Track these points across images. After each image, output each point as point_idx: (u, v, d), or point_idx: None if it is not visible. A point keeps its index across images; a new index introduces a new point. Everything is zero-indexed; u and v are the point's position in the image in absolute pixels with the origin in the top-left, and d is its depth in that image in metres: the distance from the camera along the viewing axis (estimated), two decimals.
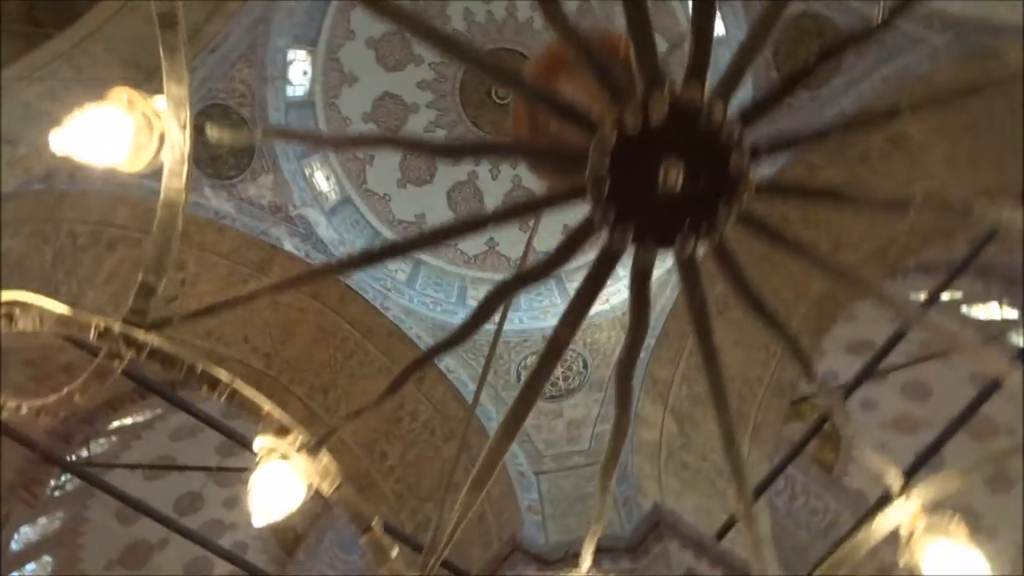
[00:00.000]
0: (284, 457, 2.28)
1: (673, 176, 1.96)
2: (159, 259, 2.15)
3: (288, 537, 18.55)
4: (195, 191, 7.93)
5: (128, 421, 14.72)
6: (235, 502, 18.09)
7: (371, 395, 8.38)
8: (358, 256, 3.25)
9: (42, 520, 15.21)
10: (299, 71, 9.80)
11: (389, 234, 11.16)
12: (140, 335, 2.13)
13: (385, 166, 11.73)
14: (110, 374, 2.19)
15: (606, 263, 2.42)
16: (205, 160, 8.11)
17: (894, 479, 2.27)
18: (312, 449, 2.28)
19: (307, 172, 9.76)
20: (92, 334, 2.10)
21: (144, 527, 17.23)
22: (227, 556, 7.10)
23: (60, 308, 2.12)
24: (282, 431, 2.30)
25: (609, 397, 8.32)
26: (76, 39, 7.03)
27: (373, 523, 2.40)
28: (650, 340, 8.37)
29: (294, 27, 9.45)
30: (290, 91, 9.62)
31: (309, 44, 9.99)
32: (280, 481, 2.30)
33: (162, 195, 2.09)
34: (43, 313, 2.07)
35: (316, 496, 2.32)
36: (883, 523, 2.22)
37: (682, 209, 2.14)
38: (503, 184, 12.16)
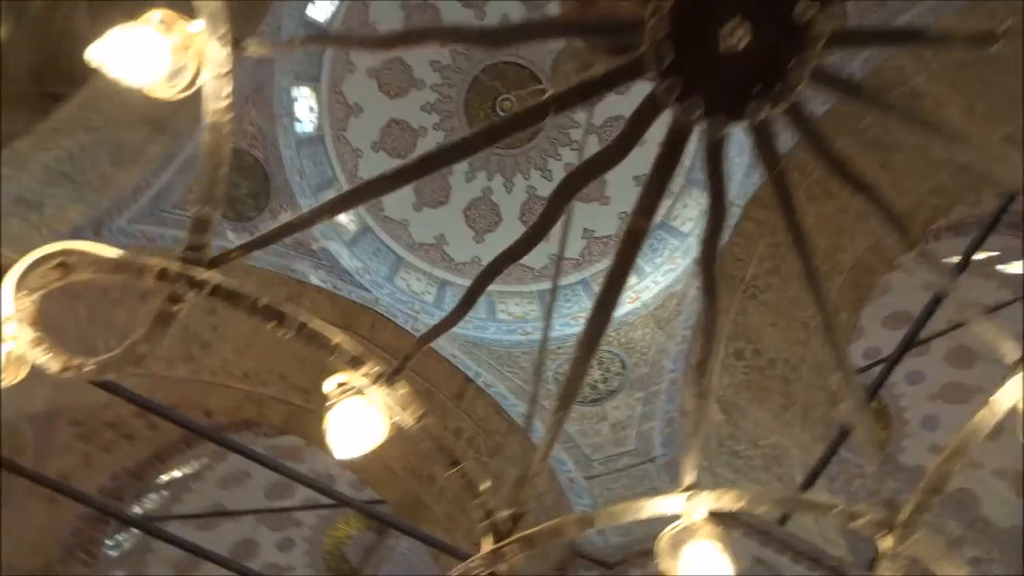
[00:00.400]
0: (359, 393, 2.18)
1: (737, 34, 1.83)
2: (210, 189, 2.07)
3: (344, 572, 18.53)
4: (218, 235, 8.00)
5: (177, 474, 14.84)
6: (290, 544, 18.14)
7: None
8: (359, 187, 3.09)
9: None
10: (305, 107, 9.93)
11: (411, 258, 11.20)
12: (200, 273, 2.04)
13: (400, 192, 11.79)
14: (172, 319, 2.11)
15: (675, 142, 2.30)
16: (223, 204, 8.20)
17: (1010, 350, 2.14)
18: (389, 379, 2.19)
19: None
20: (150, 277, 2.04)
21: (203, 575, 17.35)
22: None
23: (114, 252, 2.06)
24: (356, 363, 2.20)
25: (650, 395, 8.22)
26: (85, 100, 7.18)
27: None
28: (685, 331, 8.26)
29: (296, 65, 9.58)
30: (299, 128, 9.74)
31: (312, 80, 10.13)
32: (359, 417, 2.22)
33: (206, 118, 2.01)
34: (97, 260, 2.01)
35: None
36: (1001, 401, 2.09)
37: (750, 74, 2.00)
38: (518, 196, 12.17)
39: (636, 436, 7.79)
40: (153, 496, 15.02)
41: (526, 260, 11.21)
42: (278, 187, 8.80)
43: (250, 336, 8.38)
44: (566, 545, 5.95)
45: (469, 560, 2.29)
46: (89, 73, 7.54)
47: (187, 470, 15.21)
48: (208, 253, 2.05)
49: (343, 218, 10.23)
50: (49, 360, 2.06)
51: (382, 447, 2.34)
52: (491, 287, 11.31)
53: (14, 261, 5.07)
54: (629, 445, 7.73)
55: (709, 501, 2.22)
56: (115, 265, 2.01)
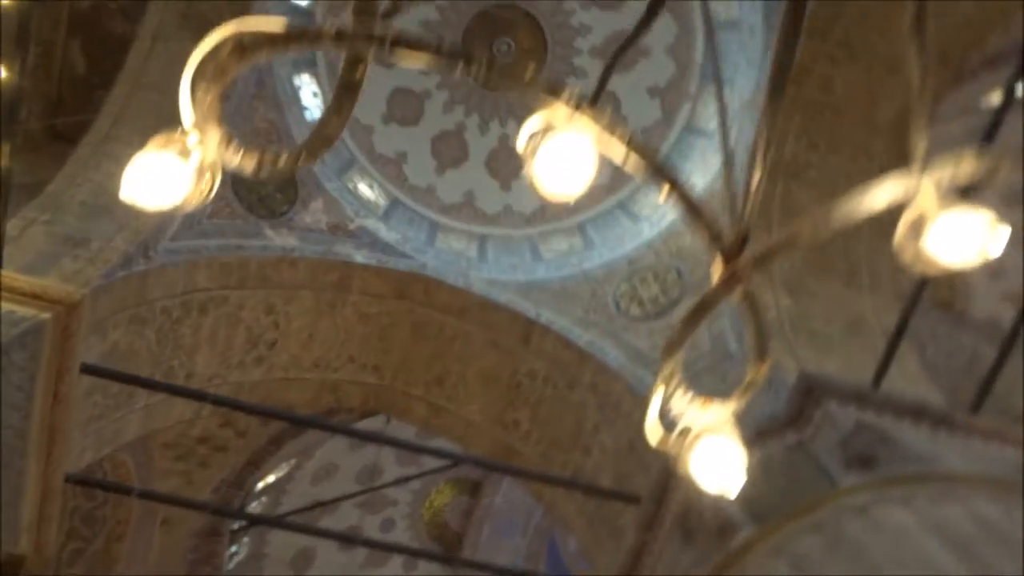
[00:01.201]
0: (554, 127, 2.03)
1: None
2: None
3: (449, 539, 19.02)
4: (256, 235, 8.11)
5: (271, 479, 15.33)
6: (391, 524, 18.67)
7: (485, 371, 8.42)
8: None
9: None
10: (309, 94, 9.87)
11: (445, 220, 11.19)
12: (378, 30, 1.96)
13: (419, 158, 11.75)
14: (357, 88, 2.04)
15: None
16: (254, 203, 8.26)
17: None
18: (591, 102, 2.07)
19: (350, 186, 9.86)
20: (327, 41, 1.99)
21: (320, 570, 17.99)
22: None
23: (283, 24, 2.00)
24: (552, 91, 2.07)
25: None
26: (104, 131, 7.25)
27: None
28: None
29: (291, 53, 9.50)
30: (308, 115, 9.71)
31: (310, 66, 10.04)
32: (568, 152, 2.08)
33: None
34: (271, 36, 1.96)
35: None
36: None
37: None
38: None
39: (709, 339, 7.74)
40: (254, 504, 15.51)
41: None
42: (302, 177, 8.81)
43: (311, 326, 8.51)
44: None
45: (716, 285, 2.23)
46: (97, 106, 7.62)
47: (279, 473, 15.69)
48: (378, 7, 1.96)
49: (372, 194, 10.25)
50: (242, 159, 2.04)
51: None
52: (531, 230, 11.29)
53: (79, 298, 5.17)
54: (704, 347, 7.69)
55: (944, 173, 2.05)
56: (290, 37, 1.94)
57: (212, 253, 7.39)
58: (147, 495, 5.97)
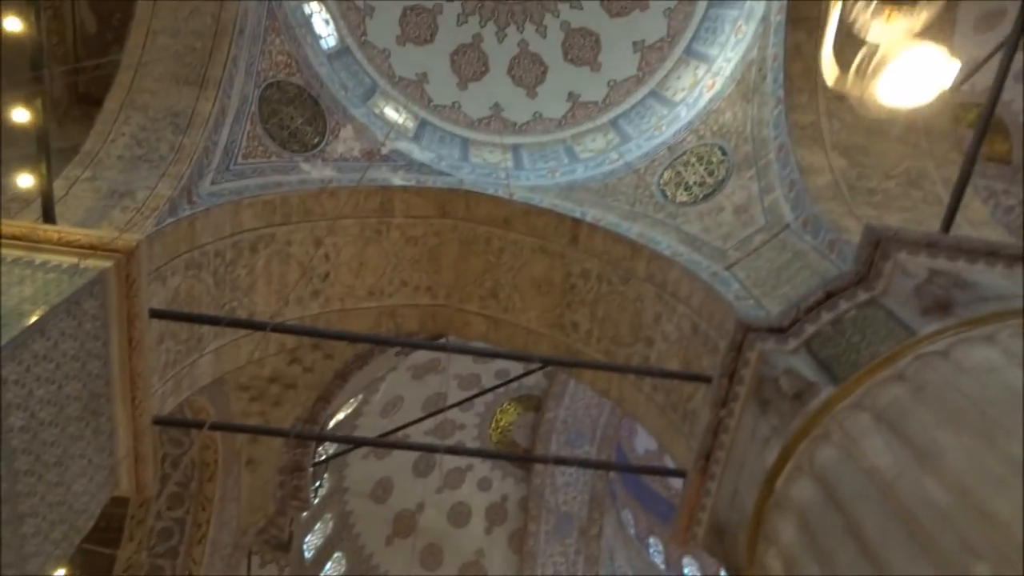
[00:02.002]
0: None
1: None
2: None
3: (518, 450, 19.49)
4: (292, 170, 8.08)
5: (340, 416, 15.81)
6: (461, 447, 19.16)
7: (537, 278, 8.38)
8: None
9: (318, 526, 16.82)
10: (321, 22, 9.64)
11: (475, 135, 11.01)
12: None
13: (440, 76, 11.49)
14: None
15: None
16: (286, 139, 8.21)
17: None
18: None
19: (376, 111, 9.72)
20: None
21: (399, 499, 18.71)
22: None
23: None
24: None
25: (761, 169, 7.87)
26: (127, 84, 7.21)
27: None
28: (778, 93, 7.78)
29: None
30: (324, 44, 9.52)
31: None
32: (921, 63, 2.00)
33: None
34: None
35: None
36: None
37: None
38: (555, 38, 11.60)
39: (762, 212, 7.53)
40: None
41: (589, 95, 10.89)
42: (328, 106, 8.70)
43: (361, 254, 8.54)
44: (736, 325, 5.89)
45: None
46: (114, 64, 7.54)
47: (348, 410, 16.16)
48: None
49: (399, 117, 10.09)
50: None
51: None
52: (564, 133, 11.08)
53: (135, 244, 5.21)
54: (758, 223, 7.49)
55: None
56: None
57: (253, 192, 7.40)
58: (223, 427, 6.17)
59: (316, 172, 8.15)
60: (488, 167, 9.72)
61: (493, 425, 19.56)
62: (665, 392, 7.68)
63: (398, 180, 8.51)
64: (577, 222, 8.29)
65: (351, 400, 15.73)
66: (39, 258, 5.18)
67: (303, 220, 7.91)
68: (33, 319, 4.52)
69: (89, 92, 8.26)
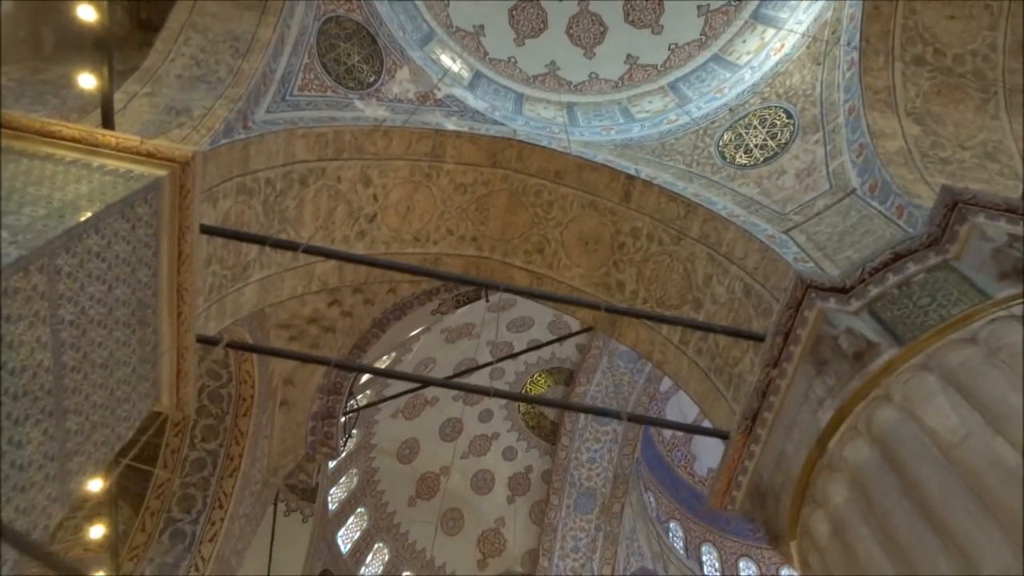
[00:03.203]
0: None
1: None
2: None
3: (545, 427, 19.47)
4: (346, 107, 7.99)
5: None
6: (489, 415, 19.18)
7: (585, 235, 8.22)
8: None
9: (343, 480, 16.98)
10: None
11: (530, 91, 10.82)
12: None
13: (497, 30, 11.31)
14: None
15: None
16: (342, 75, 8.12)
17: None
18: None
19: (434, 56, 9.58)
20: None
21: (424, 460, 18.80)
22: None
23: None
24: None
25: (829, 132, 7.58)
26: (188, 6, 7.17)
27: None
28: (852, 55, 7.46)
29: None
30: None
31: None
32: None
33: None
34: None
35: None
36: None
37: None
38: (616, 2, 11.32)
39: (827, 176, 7.25)
40: (359, 398, 16.08)
41: (649, 58, 10.61)
42: (386, 45, 8.59)
43: (409, 198, 8.45)
44: (794, 282, 5.67)
45: None
46: None
47: (381, 366, 16.24)
48: None
49: (453, 65, 9.95)
50: None
51: None
52: (617, 96, 10.84)
53: (190, 154, 5.17)
54: (821, 187, 7.22)
55: None
56: None
57: (307, 125, 7.33)
58: (261, 350, 6.15)
59: (370, 111, 8.05)
60: (542, 121, 9.54)
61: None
62: (710, 356, 7.48)
63: (451, 125, 8.37)
64: (631, 178, 8.09)
65: (384, 357, 15.78)
66: (96, 161, 5.16)
67: (354, 157, 7.83)
68: (89, 214, 4.50)
69: (150, 18, 8.25)
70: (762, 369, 5.96)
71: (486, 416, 19.15)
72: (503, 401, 19.39)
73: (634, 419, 6.17)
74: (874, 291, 5.46)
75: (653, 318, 6.30)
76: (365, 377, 15.51)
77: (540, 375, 19.14)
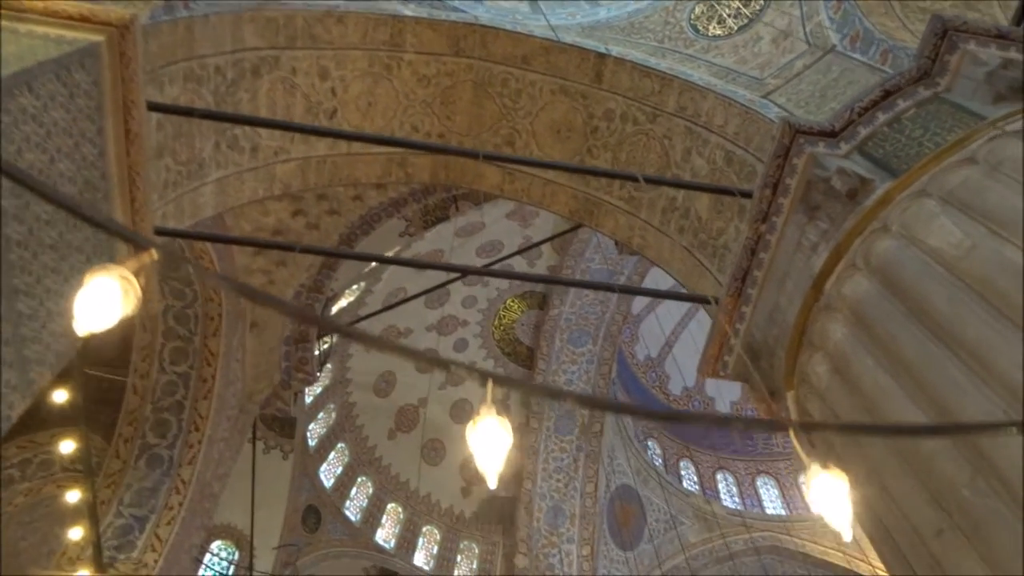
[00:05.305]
0: None
1: None
2: None
3: (521, 352, 19.40)
4: None
5: (344, 303, 15.51)
6: (464, 344, 19.01)
7: (556, 123, 7.85)
8: None
9: (321, 416, 16.74)
10: None
11: None
12: None
13: None
14: None
15: None
16: None
17: None
18: None
19: None
20: None
21: (402, 393, 18.64)
22: None
23: None
24: None
25: None
26: None
27: None
28: None
29: None
30: None
31: None
32: None
33: None
34: None
35: None
36: None
37: None
38: None
39: (805, 37, 7.01)
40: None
41: None
42: None
43: (370, 92, 8.01)
44: (781, 127, 5.46)
45: None
46: None
47: (351, 298, 15.87)
48: None
49: None
50: None
51: None
52: None
53: (129, 17, 4.64)
54: (798, 49, 6.98)
55: None
56: None
57: (254, 7, 6.80)
58: (219, 238, 5.79)
59: None
60: (504, 10, 9.08)
61: (496, 322, 19.36)
62: (692, 232, 7.31)
63: (408, 11, 7.89)
64: (602, 57, 7.75)
65: (353, 287, 15.42)
66: (23, 27, 4.66)
67: (308, 47, 7.35)
68: (17, 69, 4.04)
69: None
70: (750, 226, 5.79)
71: (461, 345, 19.00)
72: (478, 329, 19.22)
73: (625, 290, 6.00)
74: (864, 131, 5.28)
75: (624, 177, 6.05)
76: (335, 308, 15.17)
77: (513, 300, 18.98)
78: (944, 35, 5.08)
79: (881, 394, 4.25)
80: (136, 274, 2.62)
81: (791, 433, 2.49)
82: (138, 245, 2.47)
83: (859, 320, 4.60)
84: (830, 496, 2.45)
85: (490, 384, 2.21)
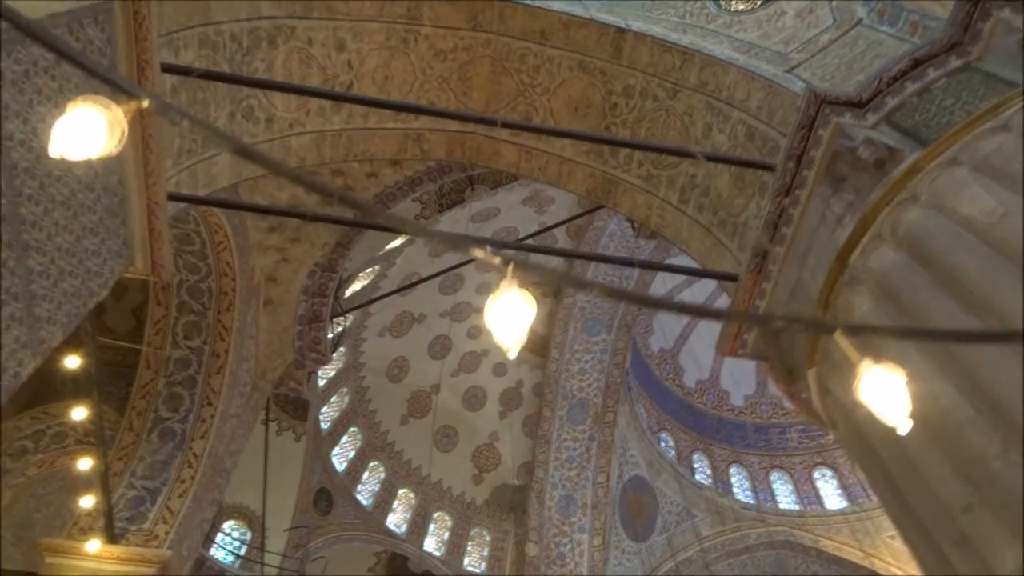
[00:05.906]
0: None
1: None
2: None
3: (534, 341, 19.32)
4: None
5: (357, 287, 15.48)
6: (478, 332, 18.97)
7: (574, 100, 7.73)
8: None
9: (333, 399, 16.76)
10: None
11: None
12: None
13: None
14: None
15: None
16: None
17: None
18: None
19: None
20: None
21: (415, 378, 18.62)
22: None
23: None
24: None
25: None
26: None
27: None
28: None
29: None
30: None
31: None
32: None
33: None
34: None
35: None
36: None
37: None
38: None
39: (830, 11, 6.84)
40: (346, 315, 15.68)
41: None
42: None
43: (386, 66, 7.92)
44: (807, 98, 5.33)
45: None
46: None
47: (364, 282, 15.83)
48: None
49: None
50: None
51: None
52: None
53: None
54: (824, 23, 6.82)
55: None
56: None
57: None
58: (235, 205, 5.73)
59: None
60: None
61: None
62: (711, 211, 7.18)
63: None
64: (621, 32, 7.60)
65: (368, 270, 15.38)
66: None
67: (325, 17, 7.27)
68: (30, 18, 3.98)
69: None
70: (772, 200, 5.66)
71: (475, 332, 18.93)
72: None
73: (645, 265, 5.90)
74: (892, 102, 5.13)
75: (640, 147, 5.92)
76: (349, 291, 15.15)
77: (528, 288, 18.85)
78: (977, 2, 4.92)
79: (907, 366, 4.11)
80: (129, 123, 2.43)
81: (837, 336, 2.42)
82: (130, 94, 2.34)
83: (885, 292, 4.47)
84: (884, 390, 2.39)
85: (510, 268, 2.15)
